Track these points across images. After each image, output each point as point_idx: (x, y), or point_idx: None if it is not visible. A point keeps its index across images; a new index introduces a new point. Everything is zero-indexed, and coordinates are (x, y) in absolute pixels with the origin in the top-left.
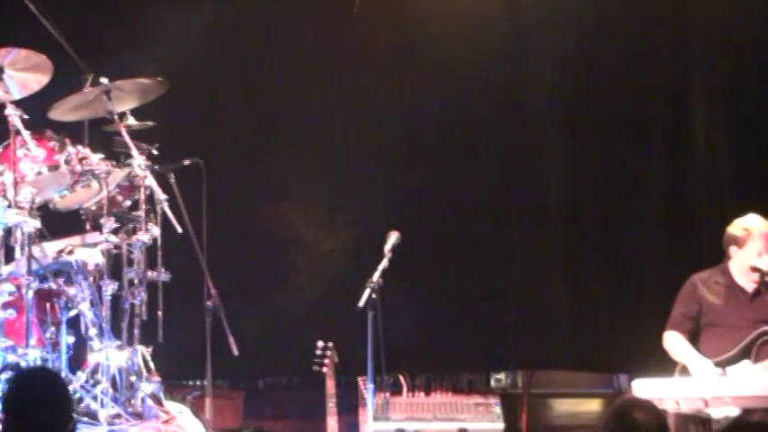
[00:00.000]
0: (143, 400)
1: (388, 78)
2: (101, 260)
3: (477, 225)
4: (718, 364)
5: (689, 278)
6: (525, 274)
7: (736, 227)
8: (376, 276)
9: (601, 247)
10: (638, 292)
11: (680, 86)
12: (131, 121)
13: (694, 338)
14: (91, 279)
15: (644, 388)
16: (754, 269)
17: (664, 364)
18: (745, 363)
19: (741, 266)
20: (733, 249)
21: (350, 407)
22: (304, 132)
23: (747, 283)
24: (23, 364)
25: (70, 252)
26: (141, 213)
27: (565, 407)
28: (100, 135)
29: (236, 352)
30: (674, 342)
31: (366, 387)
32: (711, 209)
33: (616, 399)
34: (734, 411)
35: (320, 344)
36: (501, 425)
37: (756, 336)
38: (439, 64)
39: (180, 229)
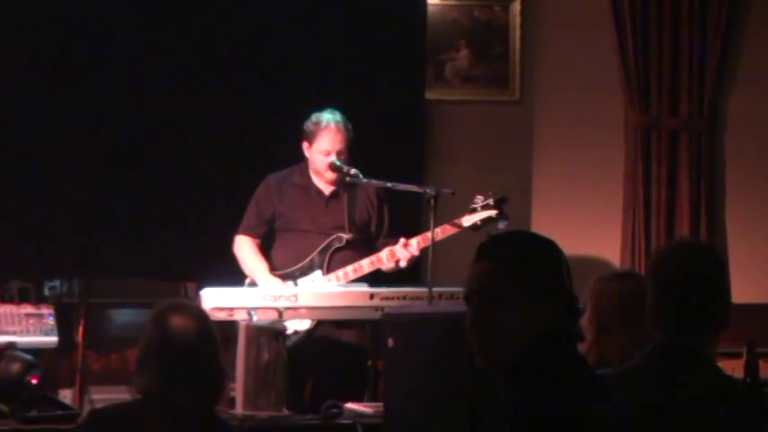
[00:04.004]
0: None
1: None
2: None
3: (40, 135)
4: (287, 276)
5: (265, 178)
6: (86, 175)
7: (308, 121)
8: None
9: (171, 148)
10: (211, 195)
11: None
12: None
13: (269, 243)
14: None
15: (213, 298)
16: (335, 167)
17: (236, 273)
18: (317, 273)
19: (314, 165)
20: (305, 145)
21: None
22: None
23: (324, 184)
24: None
25: None
26: None
27: (127, 317)
28: None
29: None
30: (243, 248)
31: None
32: (291, 110)
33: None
34: (305, 324)
35: None
36: (54, 338)
37: (328, 244)
38: None
39: None
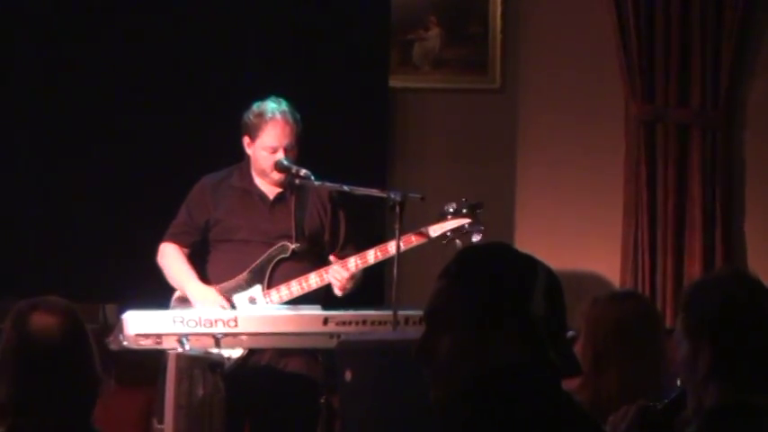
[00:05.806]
0: None
1: None
2: None
3: None
4: (224, 291)
5: (200, 180)
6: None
7: (248, 112)
8: None
9: (87, 150)
10: (135, 203)
11: None
12: None
13: (203, 257)
14: None
15: (137, 322)
16: (282, 168)
17: (165, 294)
18: (256, 288)
19: (258, 164)
20: (246, 141)
21: None
22: None
23: (268, 186)
24: None
25: None
26: None
27: None
28: None
29: None
30: (170, 257)
31: None
32: (231, 104)
33: None
34: (237, 352)
35: None
36: None
37: (270, 254)
38: None
39: None
